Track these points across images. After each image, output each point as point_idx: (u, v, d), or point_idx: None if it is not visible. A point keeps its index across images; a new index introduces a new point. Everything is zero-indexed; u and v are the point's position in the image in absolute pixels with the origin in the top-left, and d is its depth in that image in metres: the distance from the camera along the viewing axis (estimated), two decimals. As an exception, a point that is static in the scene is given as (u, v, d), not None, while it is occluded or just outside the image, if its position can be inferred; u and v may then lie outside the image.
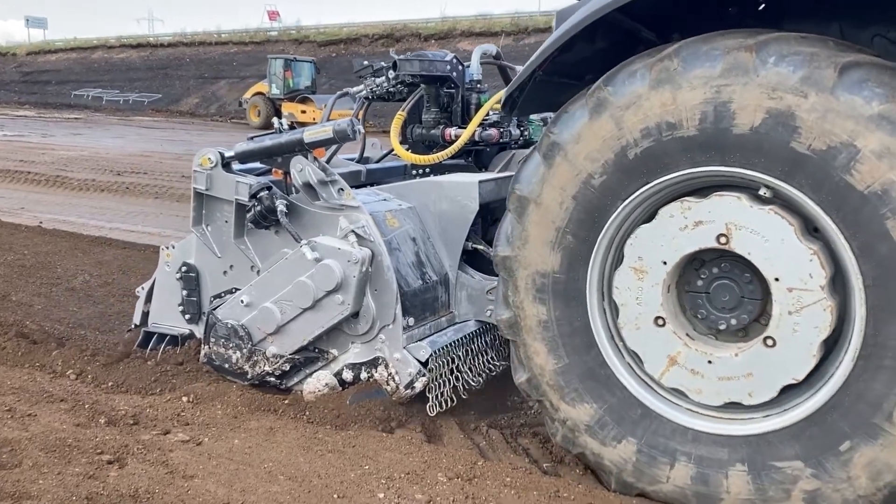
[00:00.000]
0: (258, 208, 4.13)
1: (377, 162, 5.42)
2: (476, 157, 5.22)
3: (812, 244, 2.88)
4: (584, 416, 3.35)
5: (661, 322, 3.20)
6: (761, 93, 2.80)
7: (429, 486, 3.35)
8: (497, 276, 4.12)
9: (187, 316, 4.62)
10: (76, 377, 4.55)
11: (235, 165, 4.43)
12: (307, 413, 4.02)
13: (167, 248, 4.72)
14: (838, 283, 2.92)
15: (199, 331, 4.57)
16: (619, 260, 3.29)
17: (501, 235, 3.48)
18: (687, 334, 3.21)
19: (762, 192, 2.95)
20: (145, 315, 4.86)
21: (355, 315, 4.05)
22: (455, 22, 42.47)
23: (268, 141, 4.24)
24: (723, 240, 3.01)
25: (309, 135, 4.11)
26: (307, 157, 4.14)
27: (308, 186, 4.14)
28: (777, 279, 2.93)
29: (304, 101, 30.29)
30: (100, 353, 4.84)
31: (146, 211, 11.72)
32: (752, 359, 3.03)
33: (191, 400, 4.17)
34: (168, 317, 4.71)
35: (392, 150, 5.41)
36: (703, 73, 2.91)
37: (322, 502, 3.20)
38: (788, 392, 3.00)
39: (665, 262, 3.15)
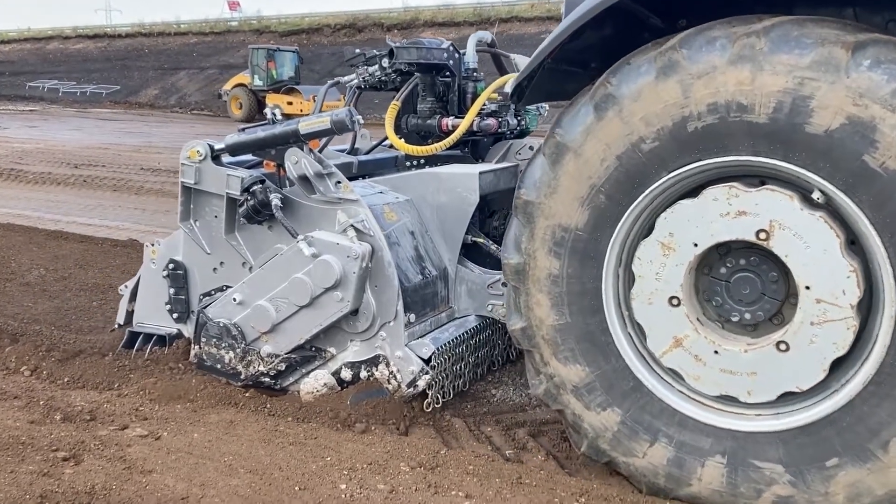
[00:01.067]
0: (251, 202, 3.99)
1: (366, 153, 5.26)
2: (472, 147, 5.08)
3: (853, 261, 2.78)
4: (574, 377, 3.27)
5: (675, 302, 3.10)
6: (847, 96, 2.62)
7: (391, 476, 3.34)
8: (496, 269, 4.14)
9: (175, 315, 4.47)
10: (31, 373, 4.46)
11: (225, 158, 4.27)
12: (268, 406, 3.98)
13: (152, 244, 4.55)
14: (863, 305, 2.85)
15: (187, 330, 4.44)
16: (647, 231, 3.15)
17: (528, 179, 3.27)
18: (697, 318, 3.12)
19: (816, 196, 2.81)
20: (129, 314, 4.69)
21: (354, 312, 3.93)
22: (417, 12, 42.32)
23: (261, 132, 4.08)
24: (762, 235, 2.88)
25: (305, 125, 3.97)
26: (303, 149, 4.00)
27: (304, 179, 4.00)
28: (808, 287, 2.83)
29: (290, 91, 29.48)
30: (55, 349, 4.76)
31: (104, 204, 11.52)
32: (761, 359, 2.97)
33: (149, 395, 4.10)
34: (154, 316, 4.55)
35: (381, 140, 5.29)
36: (789, 60, 2.70)
37: (283, 495, 3.17)
38: (786, 397, 2.97)
39: (696, 245, 3.02)
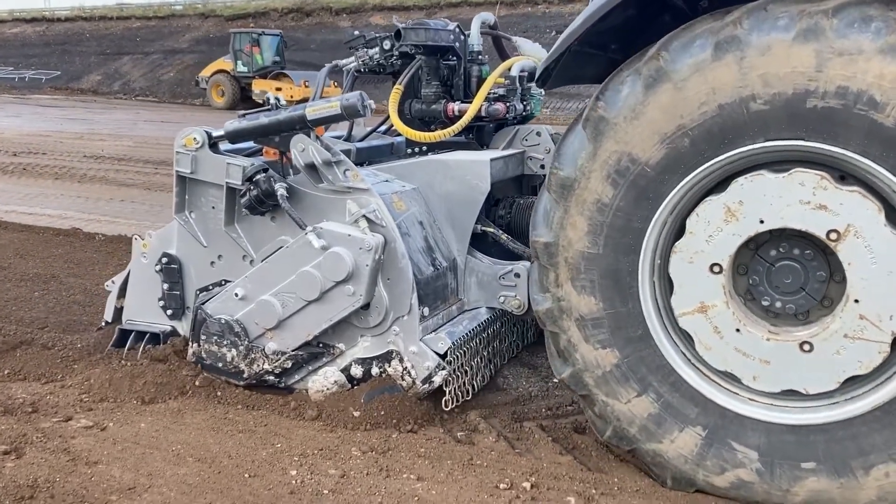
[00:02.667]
0: (254, 192, 3.79)
1: (360, 140, 5.00)
2: (476, 133, 4.84)
3: None
4: (584, 308, 3.17)
5: (716, 270, 2.98)
6: None
7: (342, 461, 3.33)
8: (507, 259, 4.11)
9: (169, 311, 4.25)
10: (-31, 366, 4.33)
11: (223, 146, 4.07)
12: (218, 394, 3.93)
13: (142, 237, 4.31)
14: None
15: (182, 327, 4.26)
16: (712, 188, 3.01)
17: (611, 94, 3.02)
18: (730, 292, 3.03)
19: None
20: (118, 311, 4.46)
21: (366, 306, 3.76)
22: (367, -4, 41.91)
23: (264, 118, 3.87)
24: (833, 236, 2.78)
25: (312, 111, 3.77)
26: (309, 136, 3.80)
27: (311, 168, 3.81)
28: (857, 301, 2.78)
29: (278, 77, 28.15)
30: (-6, 341, 4.62)
31: (46, 192, 11.21)
32: (780, 352, 2.93)
33: (94, 385, 4.01)
34: (146, 313, 4.33)
35: (376, 126, 5.13)
36: (859, 44, 2.57)
37: (233, 482, 3.14)
38: (788, 393, 2.97)
39: (762, 222, 2.88)
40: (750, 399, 3.04)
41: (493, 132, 4.82)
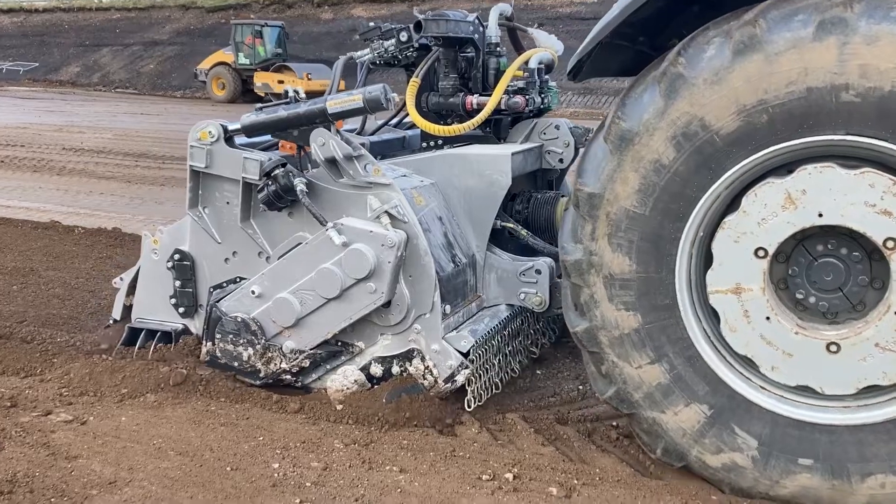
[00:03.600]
0: (272, 188, 3.70)
1: (371, 134, 4.93)
2: (494, 126, 4.70)
3: None
4: (615, 266, 3.07)
5: (761, 254, 2.90)
6: None
7: (325, 454, 3.33)
8: (524, 255, 4.05)
9: (181, 309, 4.16)
10: (-54, 361, 4.28)
11: (238, 140, 3.99)
12: (200, 388, 3.90)
13: (153, 233, 4.21)
14: None
15: (194, 325, 4.18)
16: (772, 172, 2.92)
17: (694, 54, 2.87)
18: (768, 279, 2.96)
19: None
20: (127, 309, 4.37)
21: (387, 304, 3.69)
22: (349, -12, 41.67)
23: (283, 111, 3.77)
24: (890, 244, 2.74)
25: (333, 104, 3.67)
26: (329, 129, 3.72)
27: (331, 162, 3.72)
28: None
29: (280, 69, 27.65)
30: (-28, 335, 4.58)
31: (24, 185, 11.09)
32: (805, 347, 2.90)
33: (74, 379, 3.98)
34: (156, 310, 4.24)
35: (387, 120, 5.04)
36: None
37: (214, 476, 3.13)
38: (803, 388, 2.96)
39: (821, 216, 2.80)
40: (762, 387, 3.03)
41: (509, 125, 4.74)
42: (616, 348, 3.14)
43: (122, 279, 4.45)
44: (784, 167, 2.89)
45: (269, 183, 3.72)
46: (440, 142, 4.51)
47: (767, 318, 2.94)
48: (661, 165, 2.95)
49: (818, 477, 2.92)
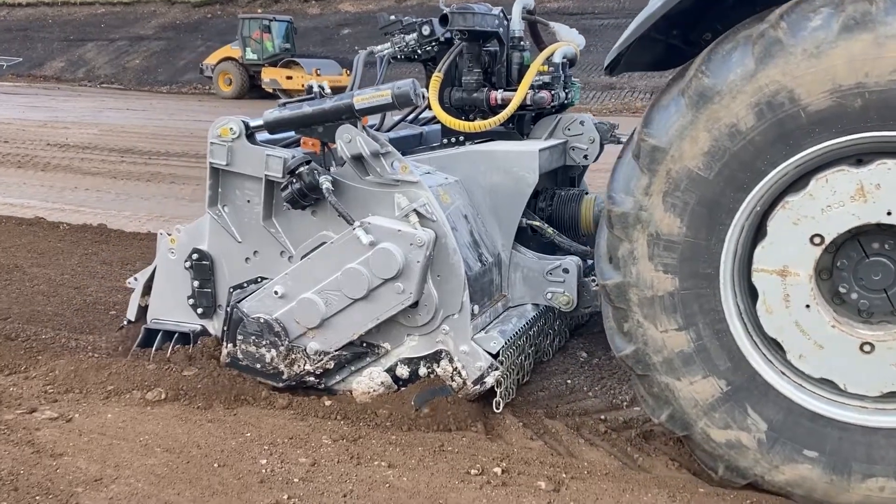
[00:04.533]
0: (296, 186, 3.61)
1: (387, 130, 4.79)
2: (517, 122, 4.58)
3: None
4: (664, 227, 2.96)
5: (817, 241, 2.80)
6: None
7: (313, 450, 3.32)
8: (548, 253, 3.97)
9: (200, 310, 4.07)
10: (-71, 358, 4.24)
11: (260, 136, 3.90)
12: (183, 386, 3.86)
13: (169, 233, 4.10)
14: None
15: (213, 326, 4.08)
16: (843, 160, 2.81)
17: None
18: (817, 268, 2.87)
19: None
20: (142, 310, 4.28)
21: (414, 304, 3.61)
22: (336, -18, 41.52)
23: (307, 107, 3.67)
24: None
25: (360, 100, 3.57)
26: (356, 126, 3.61)
27: (357, 159, 3.63)
28: None
29: (288, 64, 27.18)
30: (-44, 332, 4.53)
31: (8, 181, 11.00)
32: (838, 343, 2.85)
33: (59, 376, 3.95)
34: (174, 311, 4.14)
35: (404, 116, 4.95)
36: None
37: (202, 472, 3.12)
38: (825, 381, 2.93)
39: (889, 213, 2.71)
40: (783, 373, 2.98)
41: (531, 121, 4.64)
42: (645, 308, 3.05)
43: (136, 279, 4.35)
44: (855, 157, 2.78)
45: (294, 181, 3.63)
46: (461, 138, 4.42)
47: (807, 306, 2.87)
48: (736, 131, 2.79)
49: (819, 470, 2.91)
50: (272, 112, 3.79)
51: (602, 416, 3.81)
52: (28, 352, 4.28)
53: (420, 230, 3.53)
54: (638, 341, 3.09)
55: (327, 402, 3.76)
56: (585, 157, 4.51)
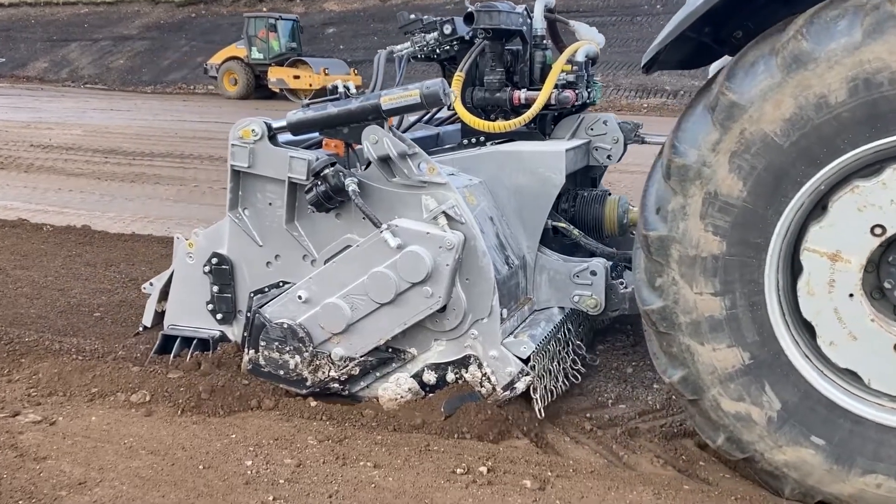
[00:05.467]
0: (321, 188, 3.54)
1: (404, 131, 4.65)
2: (539, 122, 4.46)
3: None
4: (724, 188, 2.89)
5: (877, 231, 2.73)
6: None
7: (298, 450, 3.31)
8: (574, 256, 3.90)
9: (219, 315, 4.00)
10: (-90, 362, 4.20)
11: (281, 138, 3.82)
12: (168, 388, 3.84)
13: (185, 236, 4.02)
14: None
15: (232, 332, 4.02)
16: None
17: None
18: (870, 259, 2.82)
19: None
20: (159, 315, 4.21)
21: (442, 308, 3.54)
22: (320, -19, 41.40)
23: (332, 108, 3.60)
24: None
25: (388, 100, 3.50)
26: (383, 126, 3.55)
27: (383, 161, 3.56)
28: None
29: (295, 64, 26.87)
30: (-62, 336, 4.49)
31: (-10, 183, 10.92)
32: (872, 338, 2.81)
33: (43, 379, 3.92)
34: (192, 317, 4.06)
35: (421, 116, 4.91)
36: None
37: (187, 474, 3.11)
38: (850, 373, 2.90)
39: None
40: (808, 358, 2.95)
41: (552, 121, 4.58)
42: (684, 267, 2.97)
43: (151, 284, 4.29)
44: None
45: (319, 183, 3.56)
46: (482, 138, 4.33)
47: (851, 295, 2.81)
48: (825, 103, 2.67)
49: (821, 457, 2.90)
50: (295, 113, 3.72)
51: (588, 415, 3.83)
52: (11, 354, 4.24)
53: (449, 232, 3.47)
54: (668, 298, 3.02)
55: (312, 403, 3.75)
56: (609, 157, 4.46)
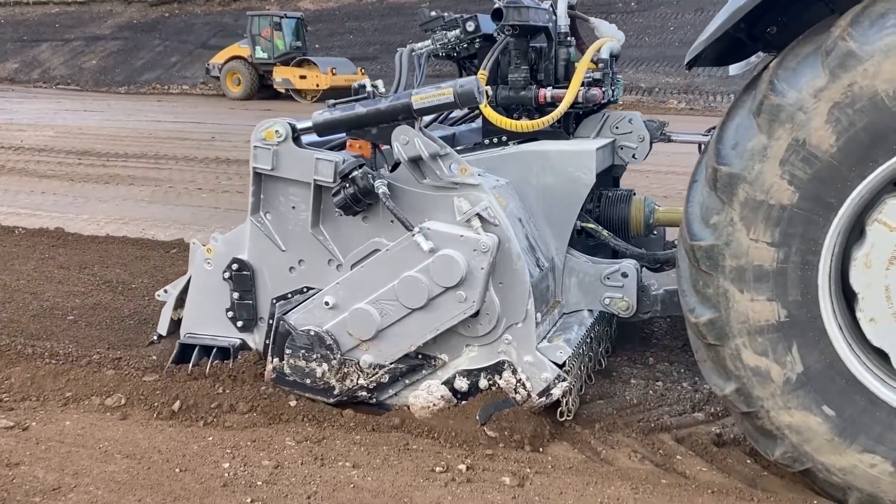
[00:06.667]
0: (350, 190, 3.44)
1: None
2: (563, 121, 4.36)
3: None
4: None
5: None
6: None
7: (276, 452, 3.30)
8: (610, 258, 3.82)
9: (239, 323, 3.87)
10: None
11: (305, 139, 3.71)
12: (143, 392, 3.80)
13: (204, 242, 3.91)
14: None
15: (253, 340, 3.90)
16: None
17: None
18: None
19: None
20: (175, 323, 4.12)
21: (475, 313, 3.46)
22: (295, -20, 41.19)
23: (361, 108, 3.50)
24: None
25: (419, 99, 3.40)
26: (414, 126, 3.45)
27: (414, 162, 3.48)
28: None
29: (301, 63, 26.31)
30: None
31: (-40, 186, 10.75)
32: None
33: (15, 384, 3.87)
34: (210, 325, 3.93)
35: (437, 116, 4.78)
36: None
37: (163, 478, 3.08)
38: (878, 351, 2.88)
39: None
40: (843, 327, 2.90)
41: (574, 119, 4.48)
42: (747, 209, 2.87)
43: (166, 291, 4.19)
44: None
45: (347, 185, 3.47)
46: (504, 137, 4.23)
47: None
48: (880, 101, 2.62)
49: (827, 427, 2.88)
50: (322, 113, 3.61)
51: (566, 411, 3.83)
52: (-19, 360, 4.19)
53: (483, 235, 3.39)
54: (721, 238, 2.94)
55: (291, 404, 3.73)
56: (634, 156, 4.42)
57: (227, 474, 3.11)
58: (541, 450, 3.40)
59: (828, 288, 2.88)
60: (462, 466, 3.18)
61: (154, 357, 4.09)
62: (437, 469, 3.16)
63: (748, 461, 3.38)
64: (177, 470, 3.14)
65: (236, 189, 10.42)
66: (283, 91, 26.43)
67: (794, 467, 3.01)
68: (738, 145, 2.86)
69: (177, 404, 3.67)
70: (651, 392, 4.06)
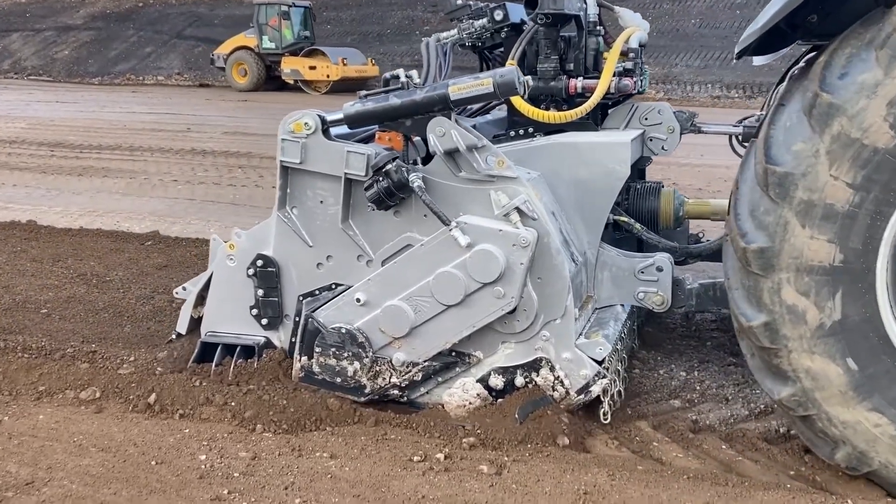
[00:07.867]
0: (383, 184, 3.34)
1: None
2: (592, 111, 4.18)
3: None
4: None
5: None
6: None
7: (253, 443, 3.28)
8: (643, 251, 3.78)
9: (264, 321, 3.77)
10: None
11: (334, 131, 3.60)
12: (118, 385, 3.76)
13: (226, 238, 3.81)
14: None
15: (278, 338, 3.81)
16: None
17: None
18: None
19: None
20: (195, 321, 4.02)
21: (513, 310, 3.39)
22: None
23: (395, 99, 3.40)
24: None
25: (457, 89, 3.31)
26: (450, 118, 3.36)
27: (450, 154, 3.38)
28: None
29: (311, 54, 25.53)
30: None
31: (-70, 179, 10.57)
32: None
33: (-13, 378, 3.83)
34: (233, 323, 3.83)
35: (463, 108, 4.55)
36: None
37: (139, 471, 3.06)
38: None
39: None
40: (891, 287, 2.86)
41: (601, 111, 4.37)
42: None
43: (185, 288, 4.08)
44: None
45: (380, 179, 3.37)
46: (531, 129, 4.10)
47: None
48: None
49: (845, 378, 2.88)
50: (353, 105, 3.51)
51: (543, 399, 3.84)
52: (-47, 355, 4.13)
53: (523, 229, 3.31)
54: (799, 168, 2.88)
55: (266, 397, 3.71)
56: (664, 147, 4.35)
57: (203, 466, 3.09)
58: (580, 448, 3.34)
59: (891, 244, 2.84)
60: (440, 455, 3.18)
61: (165, 354, 4.03)
62: (415, 458, 3.16)
63: (723, 447, 3.41)
64: (153, 462, 3.12)
65: (212, 181, 10.34)
66: (291, 82, 25.76)
67: (796, 411, 3.00)
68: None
69: (152, 397, 3.64)
70: (628, 379, 4.08)
